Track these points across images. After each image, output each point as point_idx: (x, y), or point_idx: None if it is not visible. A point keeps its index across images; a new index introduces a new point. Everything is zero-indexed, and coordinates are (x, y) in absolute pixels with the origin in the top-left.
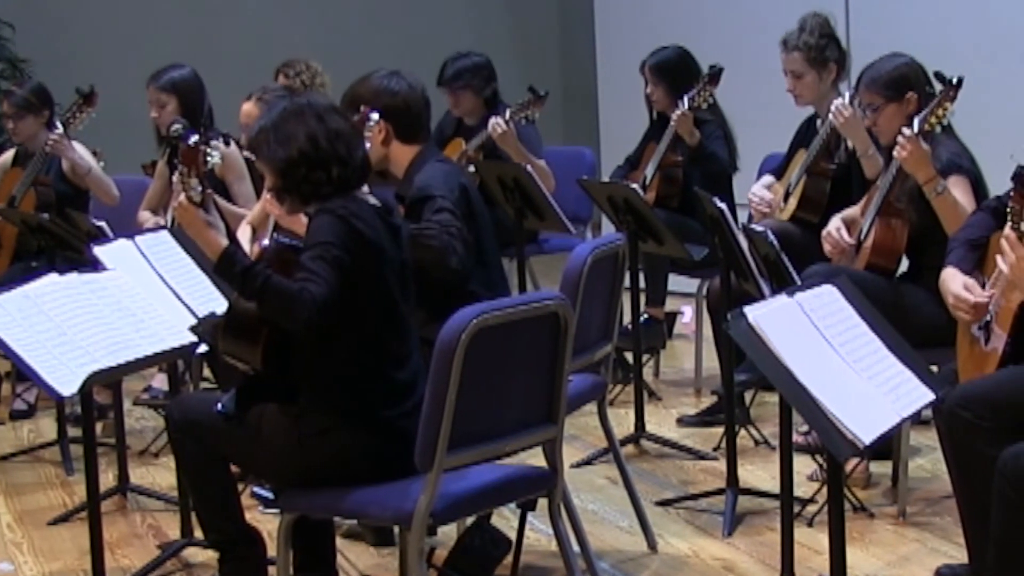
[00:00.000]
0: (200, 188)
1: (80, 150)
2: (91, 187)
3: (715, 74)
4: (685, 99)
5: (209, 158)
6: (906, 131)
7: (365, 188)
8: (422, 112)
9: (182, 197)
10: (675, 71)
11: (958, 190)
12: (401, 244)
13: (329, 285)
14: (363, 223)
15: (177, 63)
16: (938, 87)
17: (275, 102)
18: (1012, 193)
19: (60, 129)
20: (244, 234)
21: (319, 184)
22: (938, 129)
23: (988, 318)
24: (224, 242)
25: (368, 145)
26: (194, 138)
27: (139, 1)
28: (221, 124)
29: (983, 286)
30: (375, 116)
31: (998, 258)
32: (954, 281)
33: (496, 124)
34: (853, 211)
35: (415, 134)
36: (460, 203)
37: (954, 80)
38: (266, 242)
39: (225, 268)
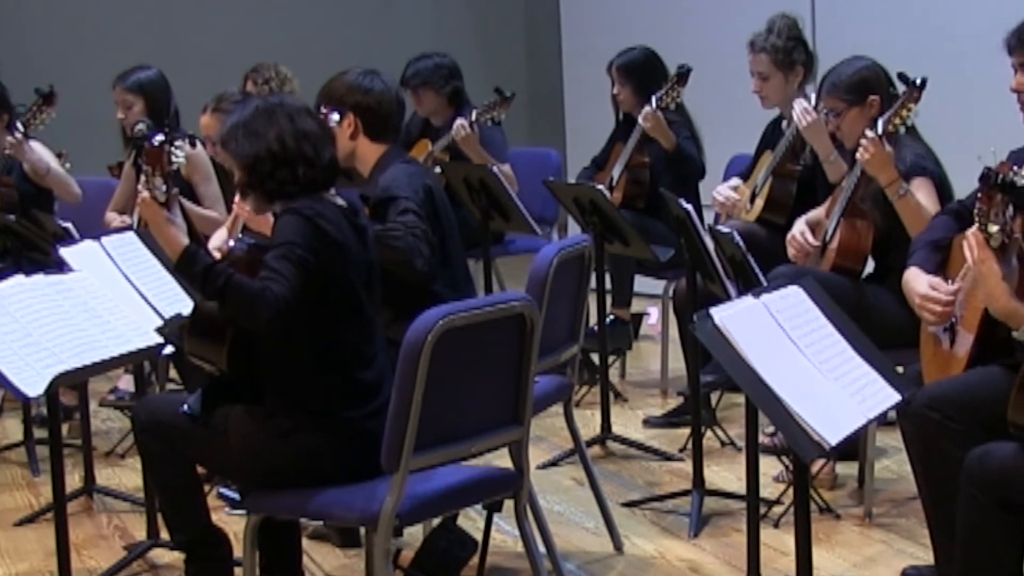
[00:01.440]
0: (164, 188)
1: (39, 150)
2: (52, 187)
3: (683, 74)
4: (653, 99)
5: (174, 158)
6: (869, 133)
7: (332, 189)
8: (393, 113)
9: (145, 194)
10: (642, 71)
11: (922, 192)
12: (367, 244)
13: (292, 285)
14: (329, 223)
15: (143, 64)
16: (901, 88)
17: (248, 100)
18: (979, 194)
19: (21, 130)
20: (221, 237)
21: (284, 183)
22: (902, 130)
23: (953, 320)
24: (185, 241)
25: (336, 131)
26: (158, 138)
27: (106, 2)
28: (188, 126)
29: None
30: (335, 116)
31: (965, 252)
32: (919, 281)
33: (460, 126)
34: (818, 213)
35: (383, 134)
36: (425, 204)
37: (918, 81)
38: (232, 242)
39: (186, 267)
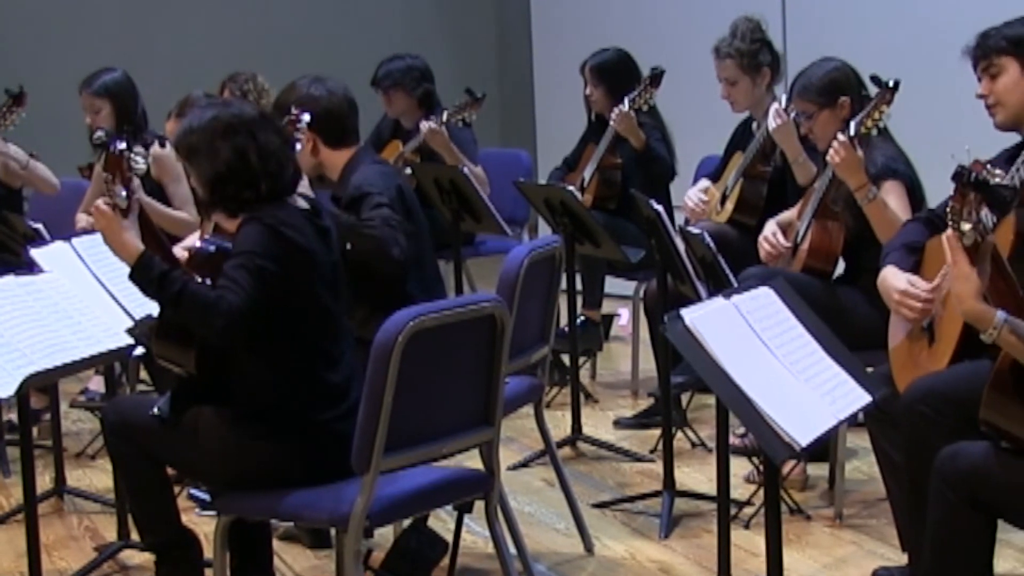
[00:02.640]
0: (125, 195)
1: (13, 150)
2: (32, 182)
3: (656, 75)
4: (626, 100)
5: (134, 164)
6: (840, 136)
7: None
8: (346, 115)
9: (99, 201)
10: (615, 73)
11: (893, 195)
12: (331, 245)
13: (248, 295)
14: (292, 229)
15: (109, 67)
16: (874, 90)
17: (206, 106)
18: (952, 193)
19: None
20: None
21: (247, 200)
22: (874, 133)
23: (931, 319)
24: (140, 247)
25: (300, 145)
26: (118, 145)
27: (76, 2)
28: (159, 126)
29: None
30: (306, 117)
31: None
32: (897, 278)
33: (427, 127)
34: (789, 214)
35: (342, 138)
36: (397, 203)
37: (890, 83)
38: (199, 243)
39: (141, 274)
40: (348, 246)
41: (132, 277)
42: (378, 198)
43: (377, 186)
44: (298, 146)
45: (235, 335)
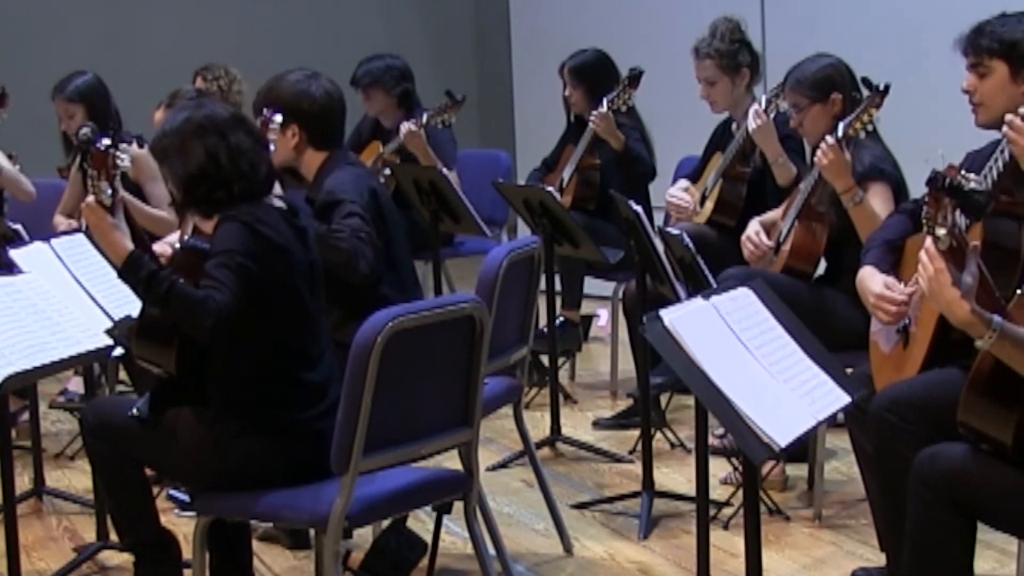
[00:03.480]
0: (110, 192)
1: None
2: (6, 186)
3: (635, 76)
4: (604, 101)
5: (119, 162)
6: (829, 139)
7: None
8: (338, 119)
9: (90, 199)
10: (594, 74)
11: (879, 197)
12: (308, 245)
13: (233, 293)
14: (269, 228)
15: (79, 70)
16: (865, 92)
17: (179, 108)
18: (927, 198)
19: None
20: (173, 239)
21: (220, 201)
22: (862, 135)
23: (906, 321)
24: (130, 246)
25: (272, 147)
26: (104, 142)
27: (53, 3)
28: (134, 126)
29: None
30: (278, 118)
31: (919, 268)
32: (873, 280)
33: (406, 126)
34: (773, 215)
35: (328, 141)
36: (370, 207)
37: (881, 86)
38: (178, 243)
39: (130, 272)
40: None
41: (121, 275)
42: (350, 206)
43: (349, 192)
44: (271, 147)
45: (222, 334)
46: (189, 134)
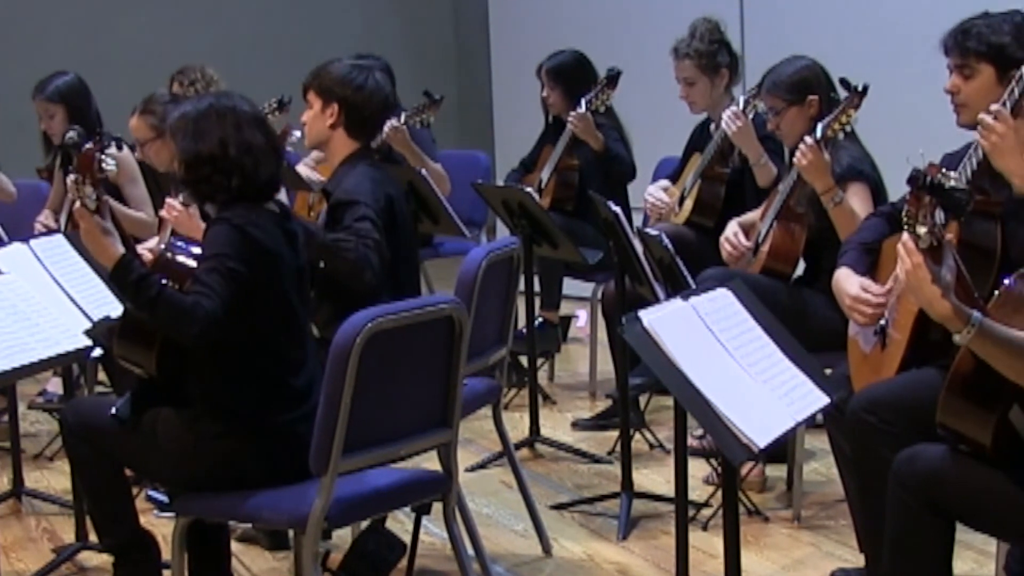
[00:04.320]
0: (95, 195)
1: None
2: None
3: (613, 77)
4: (583, 101)
5: (105, 165)
6: (808, 139)
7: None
8: (377, 113)
9: (78, 204)
10: (572, 75)
11: (858, 197)
12: (298, 249)
13: (222, 299)
14: (260, 231)
15: (60, 71)
16: (843, 93)
17: (204, 96)
18: (908, 196)
19: None
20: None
21: (218, 188)
22: (841, 136)
23: (884, 322)
24: (120, 250)
25: (309, 122)
26: (89, 146)
27: (30, 4)
28: (113, 128)
29: None
30: (296, 134)
31: (899, 261)
32: (849, 282)
33: (389, 125)
34: (752, 215)
35: (362, 132)
36: (384, 213)
37: (859, 87)
38: (162, 245)
39: (120, 276)
40: (322, 264)
41: (112, 279)
42: (364, 209)
43: (366, 195)
44: (288, 148)
45: (209, 340)
46: (208, 117)
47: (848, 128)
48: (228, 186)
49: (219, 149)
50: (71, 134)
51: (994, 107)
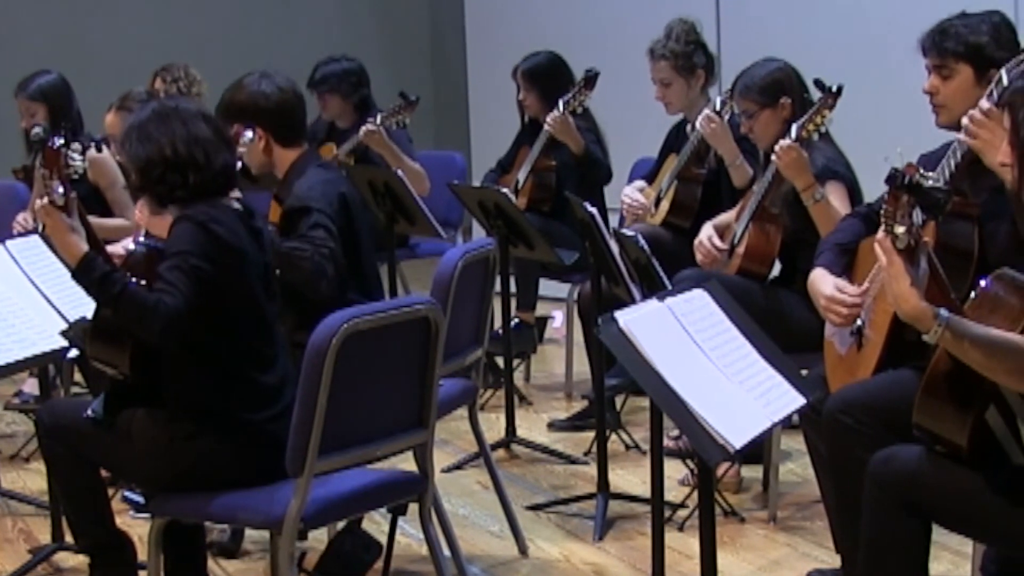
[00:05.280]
0: (62, 191)
1: None
2: None
3: (591, 78)
4: (560, 103)
5: (71, 161)
6: (783, 140)
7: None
8: (296, 112)
9: (44, 200)
10: (547, 77)
11: (834, 197)
12: (264, 247)
13: (185, 297)
14: (224, 228)
15: (43, 69)
16: (816, 93)
17: (148, 103)
18: (885, 195)
19: None
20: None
21: (174, 187)
22: (816, 137)
23: (860, 323)
24: (84, 247)
25: (247, 155)
26: (56, 141)
27: (6, 3)
28: (94, 128)
29: None
30: (248, 134)
31: (880, 257)
32: (824, 282)
33: (366, 128)
34: (727, 217)
35: (293, 136)
36: (339, 214)
37: (834, 88)
38: (132, 245)
39: (83, 274)
40: (278, 272)
41: (75, 276)
42: (317, 216)
43: (319, 200)
44: (241, 150)
45: (173, 337)
46: (152, 120)
47: (823, 129)
48: (185, 183)
49: (168, 148)
50: (37, 130)
51: (984, 104)
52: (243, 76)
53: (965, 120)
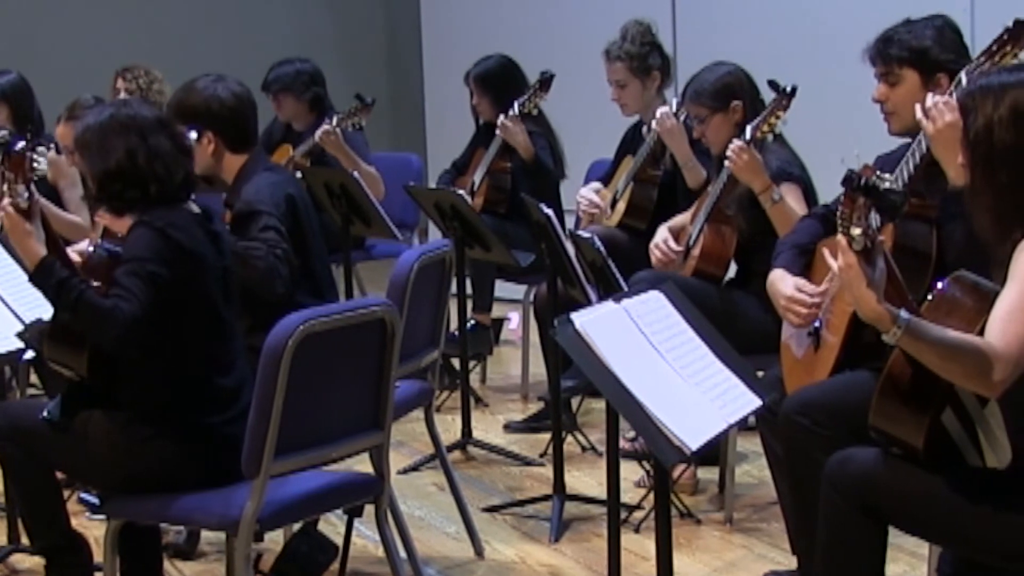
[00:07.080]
0: (27, 195)
1: None
2: None
3: (546, 80)
4: (516, 104)
5: (36, 164)
6: (737, 141)
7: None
8: (248, 119)
9: (6, 202)
10: (499, 81)
11: (790, 198)
12: (223, 250)
13: (141, 302)
14: (181, 232)
15: (3, 70)
16: (769, 95)
17: (106, 105)
18: (842, 197)
19: None
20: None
21: (134, 201)
22: (770, 138)
23: (818, 324)
24: (43, 252)
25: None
26: (20, 145)
27: None
28: (50, 128)
29: None
30: (192, 135)
31: (831, 262)
32: (784, 282)
33: (323, 130)
34: (682, 219)
35: (243, 143)
36: (287, 216)
37: (788, 89)
38: (91, 247)
39: (41, 278)
40: None
41: (32, 280)
42: (267, 219)
43: (266, 203)
44: (192, 135)
45: (129, 343)
46: (111, 130)
47: (776, 130)
48: (146, 195)
49: (127, 162)
50: (2, 132)
51: (943, 97)
52: (195, 78)
53: (920, 117)
